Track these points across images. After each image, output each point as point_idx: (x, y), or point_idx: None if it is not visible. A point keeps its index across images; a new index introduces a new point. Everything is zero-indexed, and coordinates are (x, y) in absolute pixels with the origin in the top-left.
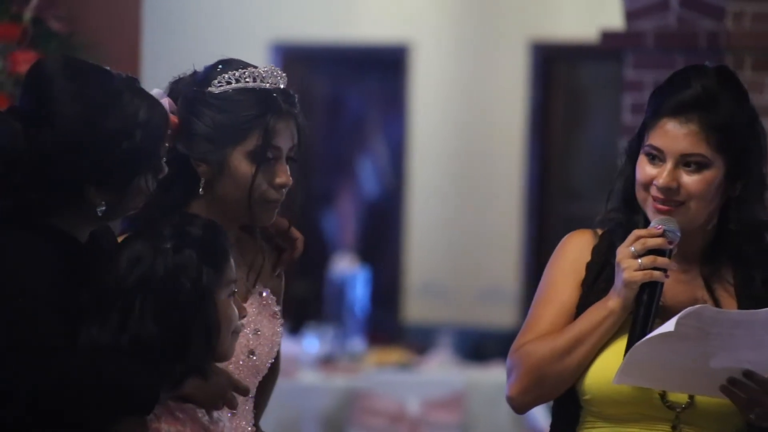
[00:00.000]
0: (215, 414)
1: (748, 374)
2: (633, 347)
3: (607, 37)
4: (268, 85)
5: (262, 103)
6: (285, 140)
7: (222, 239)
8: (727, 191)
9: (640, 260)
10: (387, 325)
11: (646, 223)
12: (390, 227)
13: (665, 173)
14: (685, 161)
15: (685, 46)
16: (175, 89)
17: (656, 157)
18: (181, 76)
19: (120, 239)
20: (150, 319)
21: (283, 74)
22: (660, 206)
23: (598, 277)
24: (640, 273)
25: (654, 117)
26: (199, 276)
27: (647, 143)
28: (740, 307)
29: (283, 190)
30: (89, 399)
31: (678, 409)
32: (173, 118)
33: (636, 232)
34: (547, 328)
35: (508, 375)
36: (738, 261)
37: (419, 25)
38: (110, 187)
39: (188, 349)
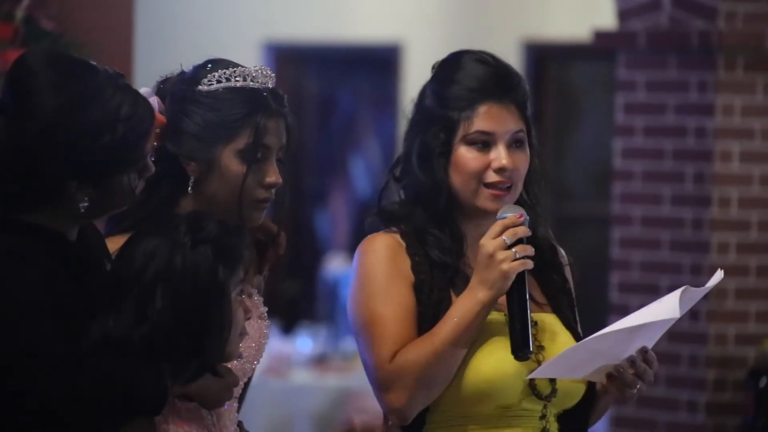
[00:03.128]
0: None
1: (643, 351)
2: (583, 341)
3: (600, 36)
4: (257, 84)
5: (252, 101)
6: (275, 139)
7: (236, 239)
8: None
9: (514, 250)
10: None
11: (446, 220)
12: None
13: (502, 155)
14: (513, 139)
15: (677, 46)
16: (162, 88)
17: (485, 142)
18: (169, 75)
19: (119, 237)
20: (169, 312)
21: (272, 74)
22: (497, 192)
23: (432, 276)
24: (517, 263)
25: (470, 105)
26: (215, 272)
27: (472, 131)
28: (543, 288)
29: (273, 189)
30: (99, 404)
31: (545, 397)
32: (160, 117)
33: (501, 223)
34: (400, 332)
35: (386, 389)
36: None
37: (411, 25)
38: (92, 182)
39: (205, 344)
